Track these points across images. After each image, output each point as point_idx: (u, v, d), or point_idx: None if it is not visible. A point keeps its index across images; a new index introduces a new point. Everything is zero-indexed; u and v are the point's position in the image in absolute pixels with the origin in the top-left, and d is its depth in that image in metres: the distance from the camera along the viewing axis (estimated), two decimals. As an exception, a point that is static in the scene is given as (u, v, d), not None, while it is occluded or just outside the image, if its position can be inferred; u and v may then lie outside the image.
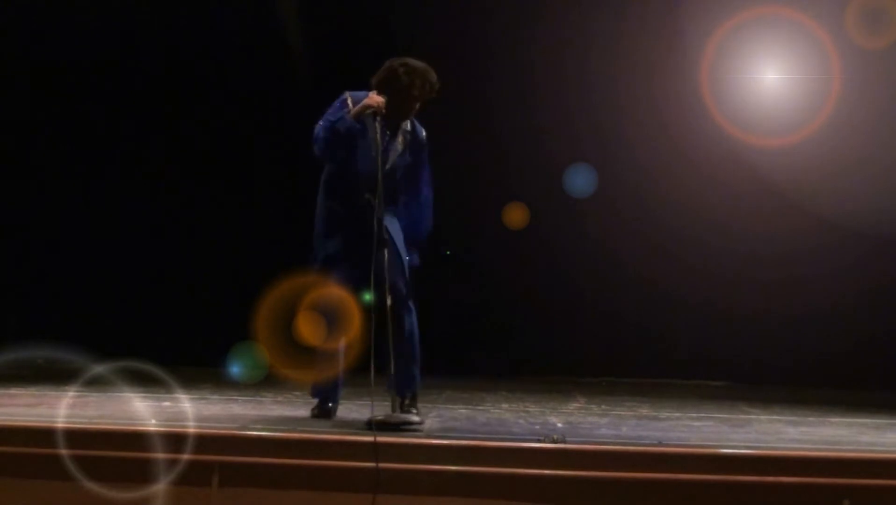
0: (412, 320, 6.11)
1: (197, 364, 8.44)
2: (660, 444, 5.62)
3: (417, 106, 6.10)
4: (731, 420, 7.09)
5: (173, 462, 5.23)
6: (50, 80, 9.93)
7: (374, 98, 5.97)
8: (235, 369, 8.49)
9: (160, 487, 5.20)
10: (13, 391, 7.26)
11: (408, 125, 6.14)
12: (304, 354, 6.36)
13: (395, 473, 5.22)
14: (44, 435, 5.36)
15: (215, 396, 7.33)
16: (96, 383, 7.14)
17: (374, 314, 5.69)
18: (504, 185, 9.82)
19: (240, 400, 7.15)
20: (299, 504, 5.25)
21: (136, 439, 5.36)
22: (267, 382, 8.06)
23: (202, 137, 9.89)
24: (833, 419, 7.28)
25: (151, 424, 5.50)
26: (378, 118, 5.93)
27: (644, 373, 9.71)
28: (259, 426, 5.81)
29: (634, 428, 6.44)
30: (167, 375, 6.82)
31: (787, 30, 9.47)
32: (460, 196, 9.78)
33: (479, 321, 9.97)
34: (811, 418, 7.29)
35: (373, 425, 5.50)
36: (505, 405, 7.49)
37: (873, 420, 7.20)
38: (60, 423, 5.46)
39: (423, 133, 6.21)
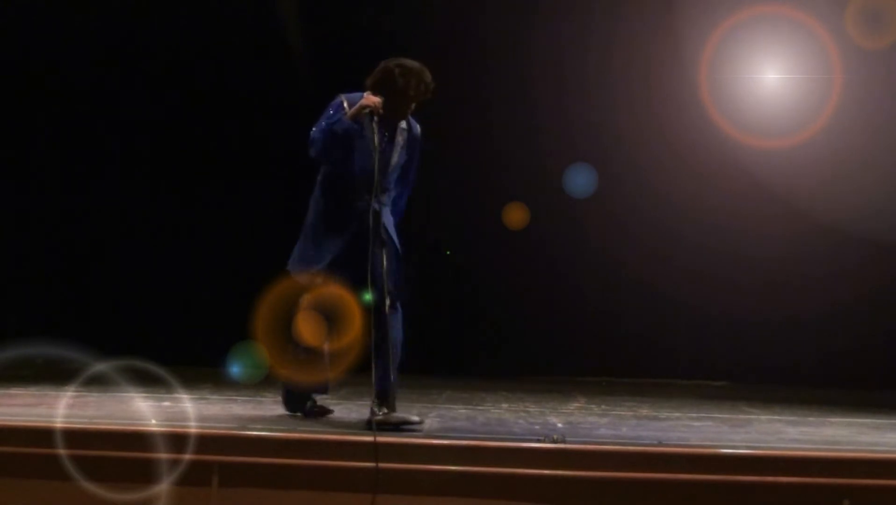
0: (399, 321, 6.10)
1: (197, 364, 8.44)
2: (660, 444, 5.62)
3: (413, 106, 6.10)
4: (731, 420, 7.09)
5: (173, 462, 5.23)
6: (49, 79, 9.92)
7: (371, 98, 5.97)
8: (235, 369, 8.49)
9: (160, 486, 5.21)
10: (13, 391, 7.26)
11: (404, 124, 6.14)
12: (301, 354, 6.36)
13: (395, 473, 5.22)
14: (44, 435, 5.36)
15: (215, 396, 7.33)
16: (96, 383, 7.14)
17: (374, 315, 5.70)
18: (504, 186, 9.82)
19: (240, 400, 7.15)
20: (299, 504, 5.25)
21: (136, 439, 5.37)
22: (267, 382, 8.05)
23: (202, 137, 9.88)
24: (833, 419, 7.28)
25: (151, 424, 5.50)
26: (375, 118, 5.93)
27: (644, 373, 9.70)
28: (259, 426, 5.81)
29: (634, 428, 6.44)
30: (167, 374, 6.82)
31: (787, 29, 9.45)
32: (460, 196, 9.79)
33: (479, 321, 9.96)
34: (811, 418, 7.29)
35: (373, 425, 5.50)
36: (505, 405, 7.49)
37: (873, 420, 7.20)
38: (60, 423, 5.46)
39: (419, 129, 6.21)
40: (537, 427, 6.21)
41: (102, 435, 5.47)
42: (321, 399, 6.41)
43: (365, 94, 6.03)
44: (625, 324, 9.81)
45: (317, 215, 6.16)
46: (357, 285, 5.94)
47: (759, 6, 9.38)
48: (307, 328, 6.19)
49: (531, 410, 7.27)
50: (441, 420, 6.43)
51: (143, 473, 5.23)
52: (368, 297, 5.92)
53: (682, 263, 9.68)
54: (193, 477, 5.23)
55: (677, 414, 7.31)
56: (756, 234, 9.67)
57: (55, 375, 7.75)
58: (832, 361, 9.48)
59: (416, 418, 5.83)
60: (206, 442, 5.31)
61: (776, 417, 7.30)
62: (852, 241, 9.38)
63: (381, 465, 5.19)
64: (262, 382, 8.06)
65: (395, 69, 6.01)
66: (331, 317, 6.10)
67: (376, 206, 5.94)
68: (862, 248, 9.42)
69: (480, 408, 7.28)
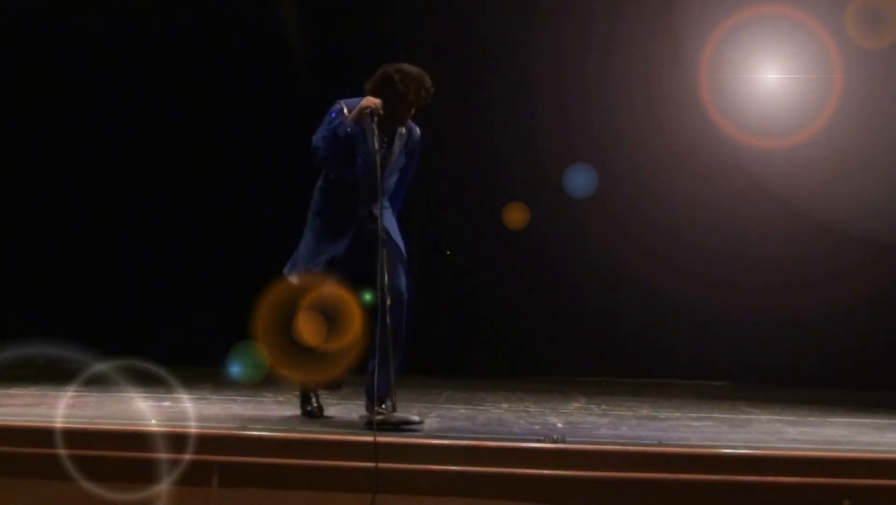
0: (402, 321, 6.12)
1: (197, 364, 8.44)
2: (660, 444, 5.62)
3: (413, 111, 6.10)
4: (731, 420, 7.09)
5: (173, 462, 5.23)
6: (49, 79, 9.93)
7: (371, 100, 5.97)
8: (235, 369, 8.48)
9: (160, 487, 5.21)
10: (13, 391, 7.26)
11: (403, 128, 6.14)
12: (303, 354, 6.35)
13: (395, 473, 5.22)
14: (44, 435, 5.36)
15: (215, 396, 7.33)
16: (96, 383, 7.14)
17: (379, 315, 5.71)
18: (504, 186, 9.81)
19: (240, 400, 7.15)
20: (299, 504, 5.25)
21: (136, 439, 5.37)
22: (267, 382, 8.06)
23: (202, 138, 9.88)
24: (833, 419, 7.28)
25: (151, 424, 5.50)
26: (375, 119, 5.93)
27: (644, 373, 9.70)
28: (259, 426, 5.81)
29: (634, 428, 6.44)
30: (167, 374, 6.82)
31: (787, 29, 9.44)
32: (460, 196, 9.79)
33: (479, 321, 9.97)
34: (811, 418, 7.29)
35: (373, 425, 5.50)
36: (505, 405, 7.49)
37: (873, 420, 7.20)
38: (60, 423, 5.46)
39: (418, 132, 6.21)
40: (537, 427, 6.21)
41: (102, 435, 5.47)
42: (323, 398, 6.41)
43: (364, 98, 6.03)
44: (625, 324, 9.81)
45: (318, 220, 6.16)
46: (357, 286, 5.94)
47: (759, 6, 9.37)
48: (307, 328, 6.20)
49: (531, 410, 7.27)
50: (441, 420, 6.43)
51: (143, 473, 5.23)
52: (368, 296, 5.93)
53: (683, 263, 9.68)
54: (193, 477, 5.23)
55: (677, 414, 7.31)
56: (756, 234, 9.67)
57: (55, 375, 7.75)
58: (832, 361, 9.48)
59: (416, 418, 5.83)
60: (206, 442, 5.31)
61: (776, 417, 7.30)
62: (852, 241, 9.38)
63: (381, 465, 5.19)
64: (262, 382, 8.07)
65: (394, 74, 6.00)
66: (331, 317, 6.09)
67: (377, 210, 5.93)
68: (862, 248, 9.41)
69: (480, 408, 7.28)
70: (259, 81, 9.85)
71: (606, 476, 5.27)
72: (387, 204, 6.14)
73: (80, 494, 5.22)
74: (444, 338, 9.66)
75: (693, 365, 9.77)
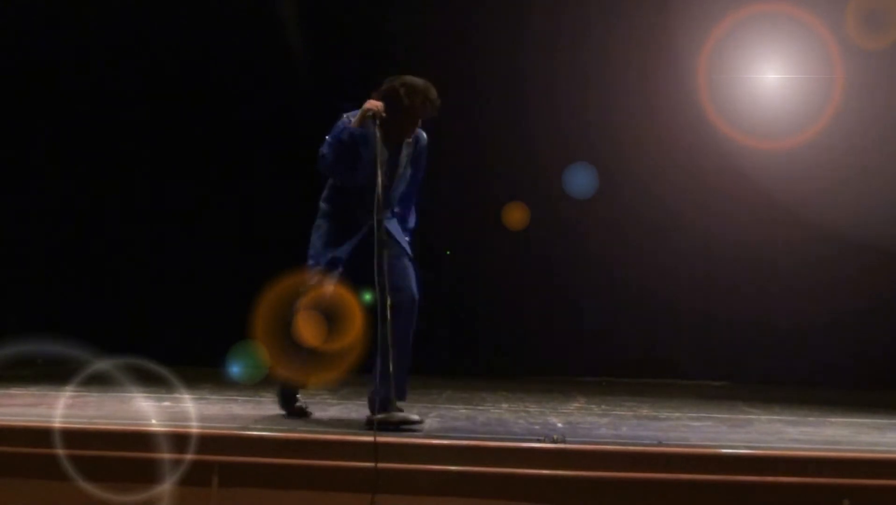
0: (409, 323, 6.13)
1: (197, 364, 8.44)
2: (660, 444, 5.62)
3: (420, 122, 6.12)
4: (731, 420, 7.09)
5: (173, 462, 5.23)
6: (49, 78, 9.92)
7: (372, 102, 5.98)
8: (235, 369, 8.48)
9: (160, 487, 5.21)
10: (13, 391, 7.26)
11: (410, 138, 6.15)
12: (303, 353, 6.35)
13: (395, 473, 5.22)
14: (44, 435, 5.36)
15: (215, 396, 7.33)
16: (96, 383, 7.14)
17: (381, 317, 5.71)
18: (504, 186, 9.81)
19: (240, 400, 7.15)
20: (299, 504, 5.25)
21: (136, 439, 5.37)
22: (267, 382, 8.05)
23: (202, 137, 9.88)
24: (833, 419, 7.28)
25: (151, 424, 5.50)
26: (377, 122, 5.93)
27: (644, 373, 9.70)
28: (259, 426, 5.81)
29: (634, 428, 6.44)
30: (167, 374, 6.82)
31: (787, 28, 9.43)
32: (460, 196, 9.79)
33: (479, 321, 9.96)
34: (811, 418, 7.29)
35: (372, 425, 5.51)
36: (505, 405, 7.49)
37: (873, 420, 7.20)
38: (60, 423, 5.46)
39: (425, 138, 6.22)
40: (537, 427, 6.21)
41: (102, 435, 5.47)
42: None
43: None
44: (625, 324, 9.80)
45: (324, 227, 6.16)
46: (362, 287, 5.94)
47: (758, 4, 9.36)
48: (307, 328, 6.20)
49: (531, 410, 7.27)
50: (441, 420, 6.43)
51: (143, 474, 5.23)
52: (369, 297, 5.94)
53: (683, 264, 9.68)
54: (193, 477, 5.23)
55: (677, 414, 7.31)
56: (756, 233, 9.66)
57: (55, 375, 7.75)
58: (833, 366, 9.46)
59: (416, 418, 5.83)
60: (206, 442, 5.31)
61: (776, 417, 7.30)
62: (853, 245, 9.36)
63: (381, 465, 5.19)
64: (262, 382, 8.06)
65: (400, 88, 6.00)
66: (331, 317, 6.10)
67: (381, 217, 5.93)
68: (863, 252, 9.39)
69: (480, 408, 7.28)
70: (260, 81, 9.85)
71: (606, 476, 5.27)
72: (390, 216, 6.15)
73: (80, 495, 5.21)
74: (444, 338, 9.65)
75: (693, 366, 9.76)
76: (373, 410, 5.89)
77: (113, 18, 9.84)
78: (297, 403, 6.34)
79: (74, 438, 5.36)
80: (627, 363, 9.77)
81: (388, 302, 5.79)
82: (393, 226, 6.13)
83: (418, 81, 6.04)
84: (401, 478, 5.22)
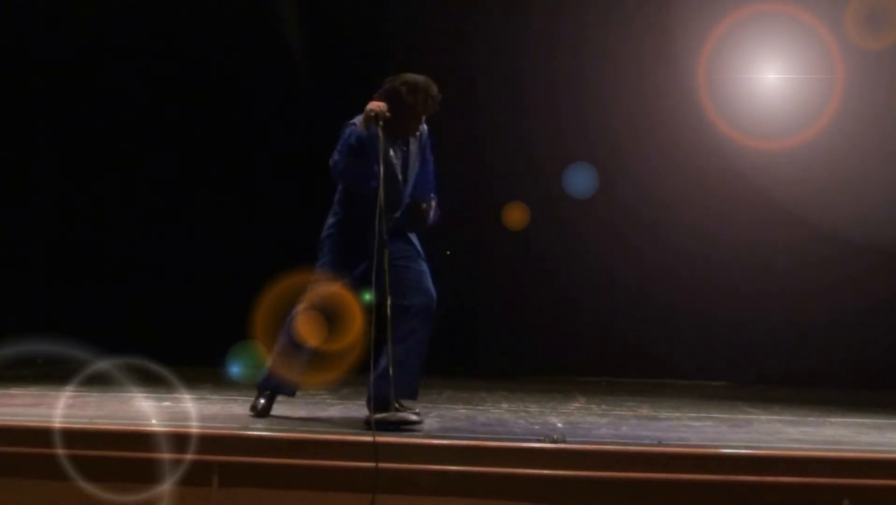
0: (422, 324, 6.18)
1: (197, 364, 8.44)
2: (660, 444, 5.62)
3: (423, 119, 6.15)
4: (731, 420, 7.09)
5: (174, 462, 5.23)
6: (49, 78, 9.93)
7: (375, 103, 5.99)
8: (235, 369, 8.48)
9: (160, 487, 5.21)
10: (13, 391, 7.27)
11: (416, 134, 6.19)
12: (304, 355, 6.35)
13: (395, 473, 5.22)
14: (44, 435, 5.36)
15: (215, 396, 7.33)
16: (96, 383, 7.14)
17: (383, 318, 5.74)
18: (504, 186, 9.81)
19: (240, 400, 7.14)
20: (299, 504, 5.26)
21: (136, 439, 5.37)
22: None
23: (202, 137, 9.88)
24: (833, 419, 7.28)
25: (151, 424, 5.51)
26: (381, 123, 5.94)
27: (644, 373, 9.70)
28: (259, 426, 5.81)
29: (634, 428, 6.44)
30: (167, 374, 6.82)
31: (787, 27, 9.42)
32: (460, 196, 9.78)
33: (479, 321, 9.96)
34: (811, 418, 7.29)
35: (372, 424, 5.51)
36: (505, 405, 7.49)
37: (873, 420, 7.20)
38: (60, 423, 5.46)
39: (425, 128, 6.26)
40: (537, 427, 6.21)
41: (102, 435, 5.48)
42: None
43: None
44: (625, 324, 9.79)
45: (338, 234, 6.18)
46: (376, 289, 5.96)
47: (757, 4, 9.35)
48: (307, 328, 6.20)
49: (531, 410, 7.27)
50: (441, 420, 6.44)
51: (144, 474, 5.24)
52: (368, 297, 5.95)
53: (683, 265, 9.67)
54: (193, 477, 5.23)
55: (677, 414, 7.31)
56: (756, 233, 9.66)
57: (55, 375, 7.76)
58: (833, 367, 9.45)
59: (414, 418, 5.84)
60: (207, 442, 5.31)
61: (776, 417, 7.30)
62: (852, 246, 9.35)
63: (381, 465, 5.19)
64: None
65: (401, 87, 6.03)
66: (331, 317, 6.11)
67: (394, 214, 6.00)
68: (862, 253, 9.38)
69: (480, 408, 7.28)
70: (260, 81, 9.85)
71: (606, 476, 5.27)
72: (407, 211, 6.22)
73: (80, 495, 5.22)
74: (444, 338, 9.64)
75: (693, 365, 9.76)
76: (371, 408, 5.90)
77: (112, 17, 9.84)
78: (267, 404, 6.32)
79: (74, 438, 5.37)
80: (627, 363, 9.76)
81: (389, 302, 5.81)
82: (406, 228, 6.21)
83: (419, 79, 6.07)
84: (401, 478, 5.23)
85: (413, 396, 6.16)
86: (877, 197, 9.38)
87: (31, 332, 8.24)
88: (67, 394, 6.85)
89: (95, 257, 9.98)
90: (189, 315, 9.58)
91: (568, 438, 5.49)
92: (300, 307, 6.20)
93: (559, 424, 6.41)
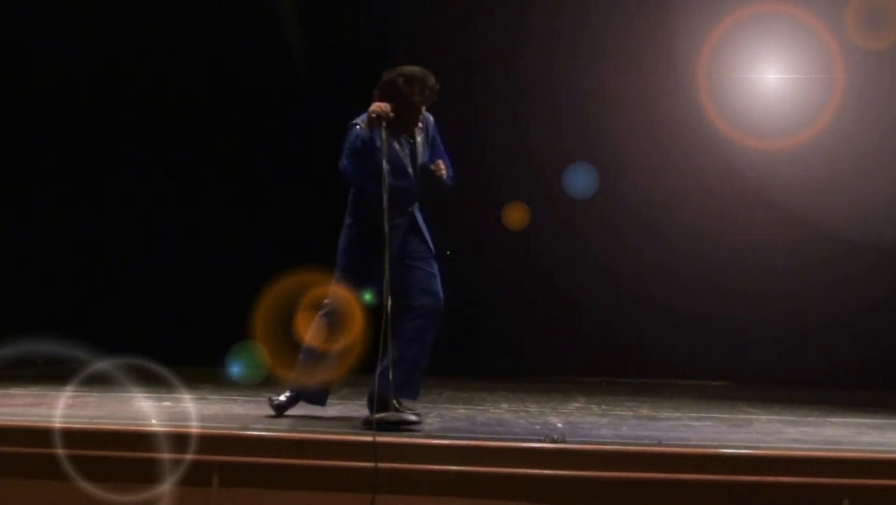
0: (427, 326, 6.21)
1: (197, 364, 8.44)
2: (660, 444, 5.62)
3: (423, 109, 6.17)
4: (731, 420, 7.09)
5: (174, 462, 5.24)
6: (49, 79, 9.92)
7: (377, 105, 6.00)
8: (235, 369, 8.49)
9: (160, 486, 5.21)
10: (13, 391, 7.27)
11: (420, 123, 6.21)
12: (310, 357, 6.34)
13: (395, 473, 5.22)
14: (44, 435, 5.36)
15: (215, 396, 7.33)
16: (96, 383, 7.14)
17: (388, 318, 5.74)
18: (504, 186, 9.81)
19: (240, 400, 7.15)
20: (299, 504, 5.26)
21: (136, 439, 5.37)
22: (267, 382, 8.06)
23: (202, 137, 9.88)
24: (833, 419, 7.28)
25: (151, 425, 5.51)
26: (384, 124, 5.95)
27: (644, 373, 9.69)
28: (259, 426, 5.81)
29: (634, 428, 6.44)
30: (167, 374, 6.82)
31: (787, 27, 9.41)
32: (460, 196, 9.77)
33: (479, 321, 9.95)
34: (811, 418, 7.29)
35: (372, 425, 5.51)
36: (505, 405, 7.49)
37: (873, 420, 7.20)
38: (60, 423, 5.46)
39: (430, 118, 6.29)
40: (537, 427, 6.21)
41: (102, 435, 5.48)
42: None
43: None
44: (625, 324, 9.79)
45: (353, 237, 6.18)
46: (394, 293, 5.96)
47: (758, 5, 9.34)
48: (307, 328, 6.21)
49: (531, 410, 7.27)
50: (441, 420, 6.44)
51: (144, 473, 5.24)
52: (369, 297, 5.96)
53: (682, 265, 9.66)
54: (194, 477, 5.23)
55: (677, 414, 7.31)
56: (756, 234, 9.64)
57: (55, 375, 7.76)
58: (834, 364, 9.45)
59: (413, 418, 5.84)
60: (207, 442, 5.31)
61: (776, 417, 7.30)
62: (853, 246, 9.34)
63: (381, 465, 5.19)
64: (262, 382, 8.07)
65: (398, 79, 6.07)
66: (334, 318, 6.12)
67: (413, 210, 6.06)
68: (862, 253, 9.37)
69: (480, 408, 7.28)
70: (260, 81, 9.84)
71: (606, 476, 5.27)
72: (419, 206, 6.27)
73: (80, 495, 5.22)
74: (445, 338, 9.64)
75: (692, 367, 9.75)
76: (371, 408, 5.90)
77: (113, 17, 9.83)
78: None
79: (74, 438, 5.37)
80: (627, 364, 9.76)
81: (390, 302, 5.81)
82: (422, 221, 6.25)
83: (415, 69, 6.12)
84: (401, 478, 5.23)
85: (415, 396, 6.18)
86: (877, 197, 9.37)
87: (31, 332, 8.25)
88: (67, 394, 6.85)
89: (95, 257, 9.98)
90: (189, 315, 9.58)
91: (568, 438, 5.49)
92: (321, 311, 6.21)
93: (559, 424, 6.41)
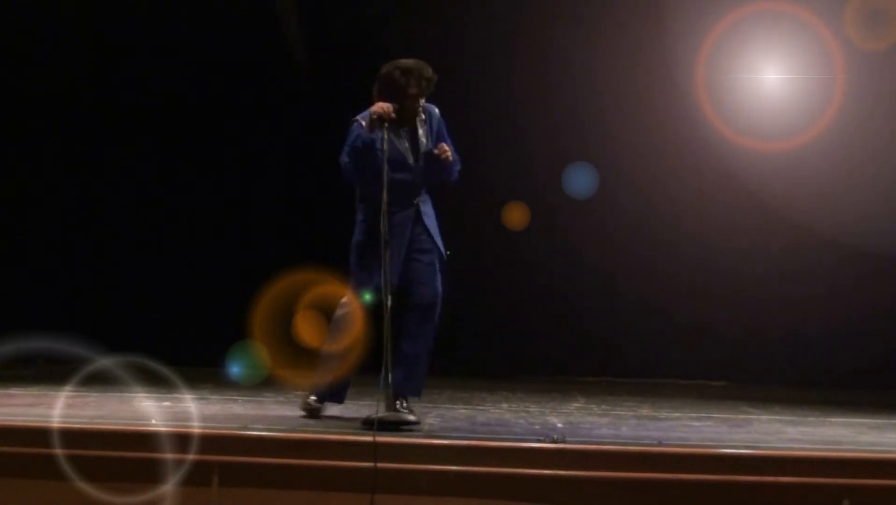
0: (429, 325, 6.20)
1: (197, 364, 8.44)
2: (660, 444, 5.62)
3: (422, 101, 6.17)
4: (731, 420, 7.09)
5: (174, 462, 5.23)
6: (48, 77, 9.92)
7: (379, 105, 6.00)
8: (235, 369, 8.49)
9: (160, 487, 5.21)
10: (13, 391, 7.27)
11: (422, 114, 6.21)
12: (303, 353, 6.35)
13: (394, 473, 5.22)
14: (44, 435, 5.36)
15: (215, 396, 7.33)
16: (96, 383, 7.15)
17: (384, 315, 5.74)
18: (504, 186, 9.80)
19: (240, 400, 7.15)
20: (299, 504, 5.26)
21: (136, 439, 5.38)
22: (267, 382, 8.06)
23: (202, 137, 9.88)
24: (833, 419, 7.28)
25: (152, 425, 5.51)
26: (386, 125, 5.96)
27: (644, 373, 9.69)
28: (259, 426, 5.81)
29: (634, 428, 6.44)
30: (167, 374, 6.82)
31: (787, 27, 9.40)
32: (460, 196, 9.78)
33: (479, 321, 9.95)
34: (811, 418, 7.29)
35: (372, 425, 5.51)
36: (505, 405, 7.49)
37: (873, 420, 7.20)
38: (60, 423, 5.46)
39: (435, 109, 6.29)
40: (537, 427, 6.21)
41: (102, 435, 5.48)
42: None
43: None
44: (625, 324, 9.79)
45: (360, 235, 6.18)
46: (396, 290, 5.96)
47: (758, 5, 9.34)
48: (307, 328, 6.21)
49: (531, 410, 7.27)
50: (441, 420, 6.44)
51: (143, 474, 5.24)
52: (369, 296, 5.97)
53: (682, 266, 9.67)
54: (194, 477, 5.23)
55: (677, 414, 7.31)
56: (755, 236, 9.64)
57: (55, 374, 7.75)
58: (834, 365, 9.44)
59: (413, 418, 5.84)
60: (207, 442, 5.31)
61: (776, 417, 7.30)
62: (853, 250, 9.33)
63: (380, 465, 5.19)
64: (262, 382, 8.07)
65: (394, 72, 6.10)
66: (336, 318, 6.13)
67: (420, 201, 6.09)
68: (862, 254, 9.37)
69: (480, 408, 7.28)
70: (259, 81, 9.85)
71: (606, 476, 5.27)
72: (426, 198, 6.28)
73: (80, 495, 5.22)
74: (446, 338, 9.64)
75: (691, 370, 9.74)
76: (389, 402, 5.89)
77: (113, 19, 9.84)
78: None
79: (74, 438, 5.36)
80: (627, 364, 9.75)
81: (390, 302, 5.81)
82: (428, 213, 6.26)
83: (410, 62, 6.14)
84: (400, 478, 5.23)
85: (418, 393, 6.17)
86: (877, 199, 9.36)
87: (31, 332, 8.25)
88: (67, 394, 6.85)
89: (96, 257, 9.98)
90: (189, 315, 9.58)
91: (568, 438, 5.49)
92: (338, 311, 6.21)
93: (559, 424, 6.41)
